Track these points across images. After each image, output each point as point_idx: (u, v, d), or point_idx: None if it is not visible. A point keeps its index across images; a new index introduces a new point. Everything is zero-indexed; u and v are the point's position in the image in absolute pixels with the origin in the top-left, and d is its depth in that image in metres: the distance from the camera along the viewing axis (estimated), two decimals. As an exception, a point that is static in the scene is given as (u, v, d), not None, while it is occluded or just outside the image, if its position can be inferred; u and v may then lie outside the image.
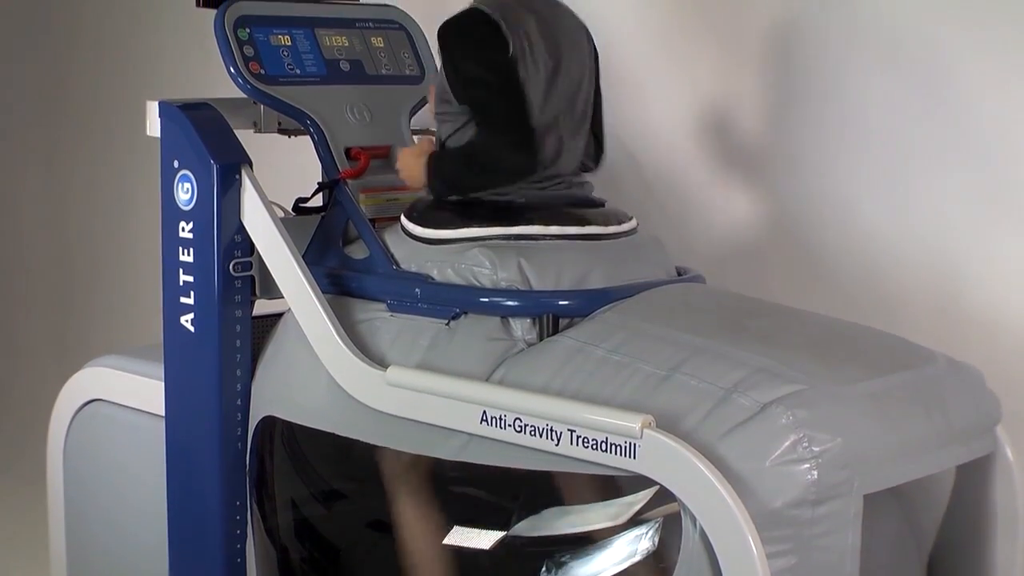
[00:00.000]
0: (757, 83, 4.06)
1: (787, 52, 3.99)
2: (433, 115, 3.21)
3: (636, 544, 2.97)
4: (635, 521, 2.97)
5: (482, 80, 3.03)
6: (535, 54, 3.05)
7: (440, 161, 3.09)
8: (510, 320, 2.91)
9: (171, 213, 3.18)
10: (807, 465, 2.48)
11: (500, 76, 3.02)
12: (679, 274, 3.21)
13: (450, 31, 3.08)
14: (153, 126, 3.23)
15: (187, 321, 3.18)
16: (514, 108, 3.01)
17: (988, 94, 3.62)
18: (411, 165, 3.13)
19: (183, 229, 3.16)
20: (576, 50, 3.18)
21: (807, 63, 3.94)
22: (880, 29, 3.78)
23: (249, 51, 3.29)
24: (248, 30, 3.32)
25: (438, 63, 3.18)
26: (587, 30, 3.26)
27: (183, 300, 3.18)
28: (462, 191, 3.07)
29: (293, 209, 3.35)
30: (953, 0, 3.66)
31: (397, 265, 3.08)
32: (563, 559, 3.06)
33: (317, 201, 3.35)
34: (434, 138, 3.22)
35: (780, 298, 3.21)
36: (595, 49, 3.28)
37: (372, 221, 3.20)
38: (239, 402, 3.19)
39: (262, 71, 3.29)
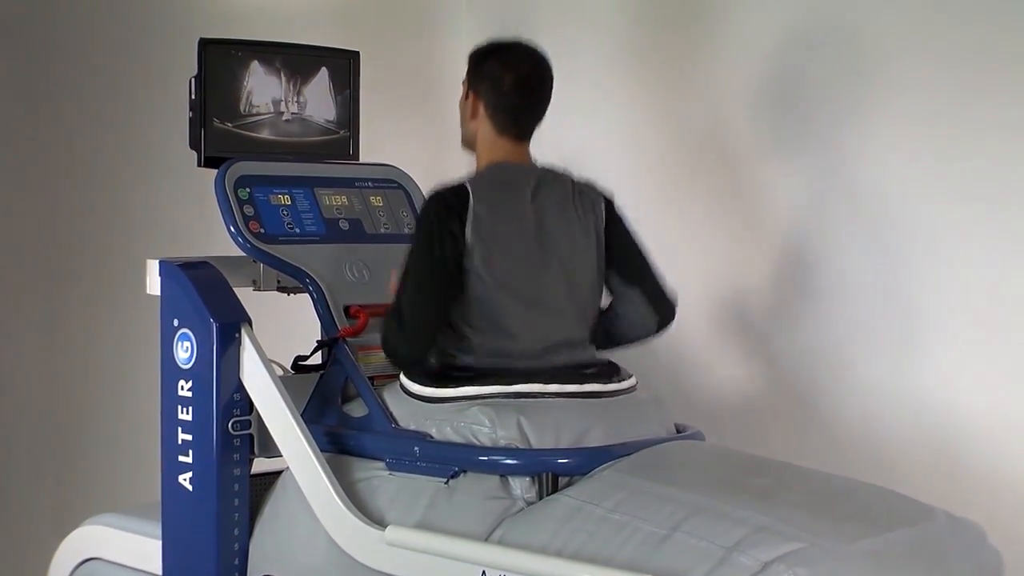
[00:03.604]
0: (755, 245, 4.10)
1: (781, 210, 4.04)
2: None
3: None
4: None
5: (412, 266, 3.09)
6: (508, 233, 3.09)
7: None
8: (509, 479, 2.90)
9: (170, 371, 3.19)
10: (809, 623, 2.46)
11: (429, 272, 3.07)
12: (678, 431, 3.20)
13: (427, 200, 3.14)
14: (153, 284, 3.25)
15: (185, 480, 3.17)
16: (420, 302, 3.07)
17: (982, 249, 3.65)
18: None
19: (182, 387, 3.16)
20: (579, 223, 3.19)
21: (801, 220, 3.98)
22: (875, 188, 3.83)
23: (249, 210, 3.32)
24: (248, 190, 3.35)
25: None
26: (606, 198, 3.27)
27: (181, 459, 3.17)
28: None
29: (292, 367, 3.35)
30: (945, 160, 3.70)
31: (396, 423, 3.08)
32: None
33: (316, 359, 3.36)
34: None
35: (779, 454, 3.20)
36: (616, 214, 3.29)
37: (371, 379, 3.21)
38: (237, 561, 3.16)
39: (262, 230, 3.32)
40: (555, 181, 3.23)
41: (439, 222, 3.07)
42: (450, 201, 3.08)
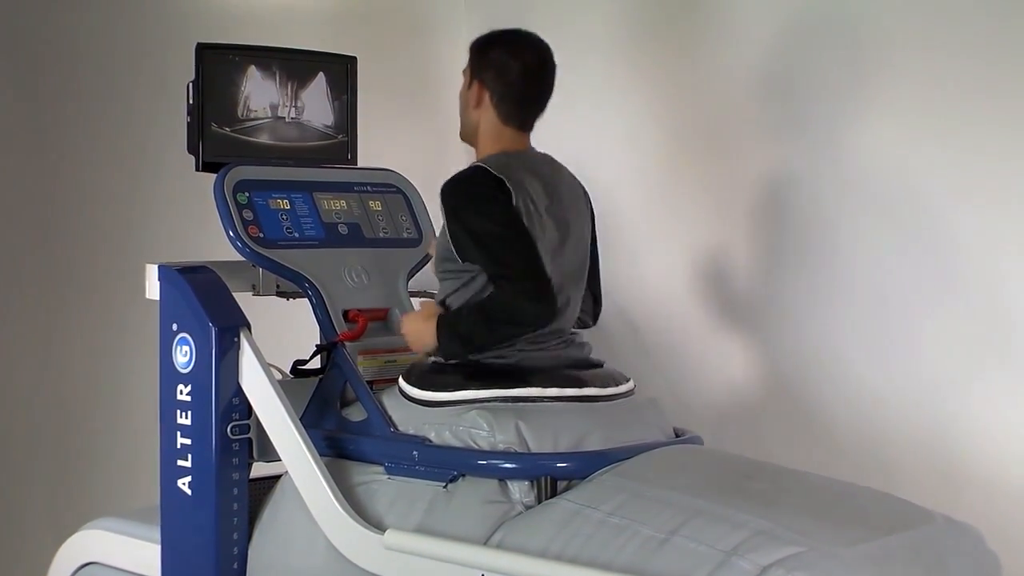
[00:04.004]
0: (751, 243, 4.10)
1: (778, 208, 4.04)
2: (435, 273, 3.23)
3: None
4: None
5: (493, 233, 3.04)
6: (540, 212, 3.09)
7: (454, 320, 3.07)
8: (508, 483, 2.90)
9: (169, 376, 3.19)
10: (807, 627, 2.46)
11: (510, 228, 3.04)
12: (677, 435, 3.21)
13: (454, 189, 3.10)
14: (152, 289, 3.25)
15: (184, 484, 3.17)
16: (528, 258, 3.02)
17: (981, 249, 3.66)
18: (420, 329, 3.12)
19: (181, 392, 3.17)
20: (576, 211, 3.23)
21: (798, 219, 3.98)
22: (869, 183, 3.83)
23: (248, 215, 3.33)
24: (247, 194, 3.35)
25: (438, 224, 3.21)
26: (585, 191, 3.31)
27: (180, 463, 3.17)
28: (481, 348, 3.05)
29: (291, 371, 3.36)
30: (939, 152, 3.70)
31: (395, 428, 3.08)
32: None
33: (315, 363, 3.36)
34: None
35: (777, 458, 3.20)
36: (592, 210, 3.32)
37: (370, 383, 3.21)
38: (236, 565, 3.16)
39: (261, 235, 3.32)
40: (561, 170, 3.26)
41: (485, 188, 3.05)
42: (475, 177, 3.08)
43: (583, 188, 3.32)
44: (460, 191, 3.10)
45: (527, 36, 3.25)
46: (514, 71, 3.19)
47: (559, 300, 3.06)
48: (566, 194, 3.21)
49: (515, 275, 3.01)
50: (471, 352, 3.06)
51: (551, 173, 3.21)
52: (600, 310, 3.41)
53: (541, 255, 3.03)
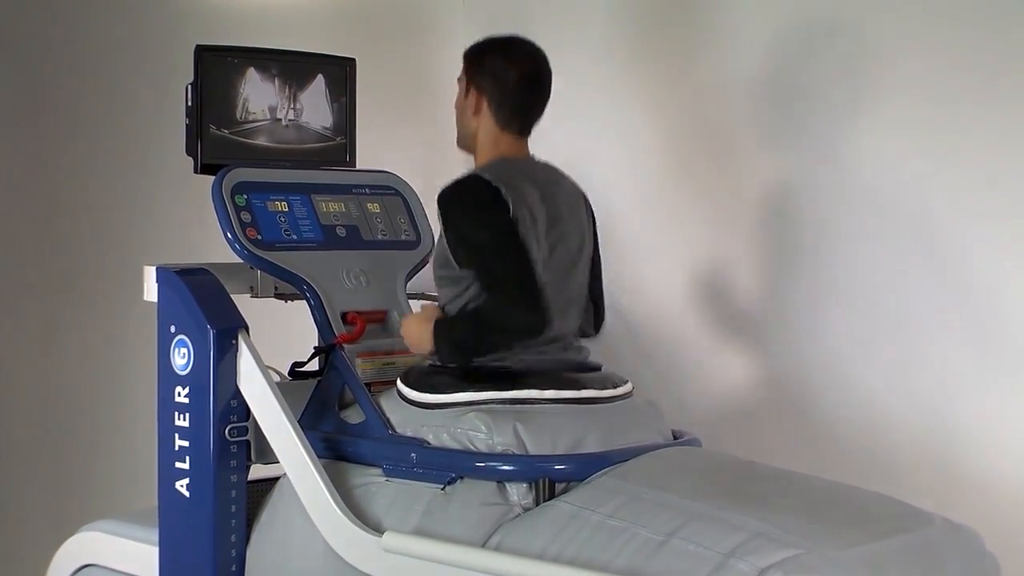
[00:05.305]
0: (750, 248, 4.10)
1: (779, 212, 4.04)
2: (434, 279, 3.23)
3: None
4: None
5: (486, 242, 3.05)
6: (536, 220, 3.09)
7: (449, 326, 3.07)
8: (506, 485, 2.90)
9: (167, 378, 3.19)
10: (806, 630, 2.46)
11: (504, 237, 3.03)
12: (675, 437, 3.21)
13: (451, 195, 3.10)
14: (150, 291, 3.25)
15: (182, 486, 3.17)
16: (520, 268, 3.01)
17: (980, 254, 3.65)
18: (417, 331, 3.12)
19: (179, 394, 3.16)
20: (575, 218, 3.22)
21: (798, 223, 3.98)
22: (870, 191, 3.83)
23: (246, 217, 3.32)
24: (245, 196, 3.35)
25: (436, 228, 3.21)
26: (586, 198, 3.31)
27: (178, 465, 3.17)
28: (472, 355, 3.05)
29: (289, 373, 3.36)
30: (941, 162, 3.70)
31: (393, 430, 3.08)
32: None
33: (313, 365, 3.36)
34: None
35: (776, 460, 3.20)
36: (594, 218, 3.32)
37: (368, 385, 3.21)
38: (234, 568, 3.16)
39: (259, 237, 3.32)
40: (561, 177, 3.26)
41: (488, 203, 3.05)
42: (472, 185, 3.08)
43: (584, 195, 3.32)
44: (456, 198, 3.10)
45: (522, 42, 3.27)
46: (511, 77, 3.20)
47: (552, 309, 3.05)
48: (565, 201, 3.21)
49: (506, 285, 3.01)
50: (465, 359, 3.06)
51: (549, 180, 3.22)
52: (602, 319, 3.40)
53: (535, 264, 3.03)
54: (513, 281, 3.01)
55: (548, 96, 3.26)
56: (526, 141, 3.26)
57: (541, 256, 3.07)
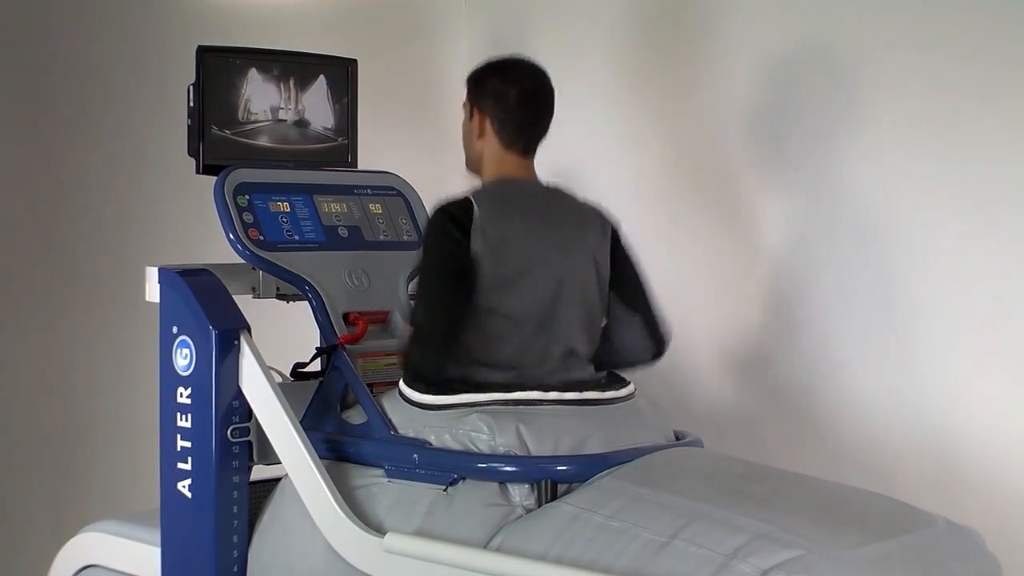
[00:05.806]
0: (749, 248, 4.10)
1: (779, 214, 4.04)
2: None
3: None
4: None
5: (428, 274, 3.11)
6: (513, 245, 3.10)
7: (409, 350, 3.13)
8: (508, 486, 2.90)
9: (169, 378, 3.19)
10: (808, 631, 2.46)
11: (443, 278, 3.09)
12: (677, 438, 3.21)
13: (431, 215, 3.15)
14: (152, 292, 3.25)
15: (184, 487, 3.17)
16: (440, 314, 3.07)
17: (980, 254, 3.66)
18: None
19: (181, 394, 3.16)
20: (576, 239, 3.21)
21: (798, 225, 3.98)
22: (871, 192, 3.83)
23: (248, 217, 3.33)
24: (247, 197, 3.36)
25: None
26: (600, 215, 3.29)
27: (180, 465, 3.17)
28: (427, 381, 3.10)
29: (291, 374, 3.36)
30: (942, 164, 3.71)
31: (395, 430, 3.08)
32: None
33: (315, 366, 3.36)
34: None
35: (778, 462, 3.20)
36: (615, 233, 3.30)
37: (370, 386, 3.21)
38: (236, 568, 3.16)
39: (261, 237, 3.32)
40: (563, 197, 3.26)
41: (444, 234, 3.09)
42: (454, 213, 3.10)
43: (601, 214, 3.30)
44: (431, 221, 3.15)
45: (522, 62, 3.29)
46: (512, 97, 3.22)
47: (536, 328, 3.09)
48: (563, 224, 3.20)
49: (421, 323, 3.09)
50: (424, 382, 3.10)
51: (546, 203, 3.21)
52: (663, 344, 3.35)
53: (458, 312, 3.06)
54: (424, 325, 3.08)
55: (551, 113, 3.27)
56: (531, 161, 3.26)
57: (508, 280, 3.08)
